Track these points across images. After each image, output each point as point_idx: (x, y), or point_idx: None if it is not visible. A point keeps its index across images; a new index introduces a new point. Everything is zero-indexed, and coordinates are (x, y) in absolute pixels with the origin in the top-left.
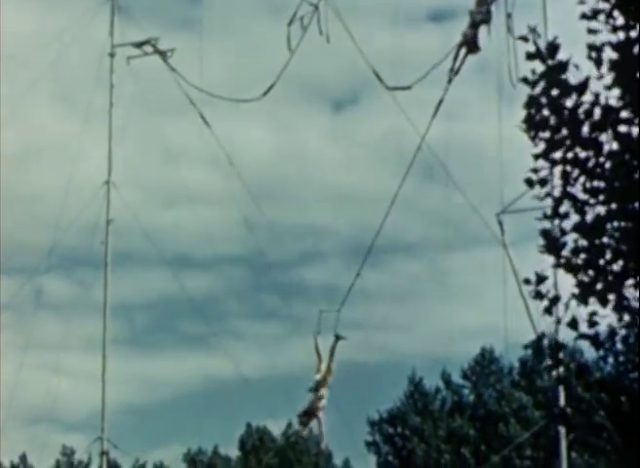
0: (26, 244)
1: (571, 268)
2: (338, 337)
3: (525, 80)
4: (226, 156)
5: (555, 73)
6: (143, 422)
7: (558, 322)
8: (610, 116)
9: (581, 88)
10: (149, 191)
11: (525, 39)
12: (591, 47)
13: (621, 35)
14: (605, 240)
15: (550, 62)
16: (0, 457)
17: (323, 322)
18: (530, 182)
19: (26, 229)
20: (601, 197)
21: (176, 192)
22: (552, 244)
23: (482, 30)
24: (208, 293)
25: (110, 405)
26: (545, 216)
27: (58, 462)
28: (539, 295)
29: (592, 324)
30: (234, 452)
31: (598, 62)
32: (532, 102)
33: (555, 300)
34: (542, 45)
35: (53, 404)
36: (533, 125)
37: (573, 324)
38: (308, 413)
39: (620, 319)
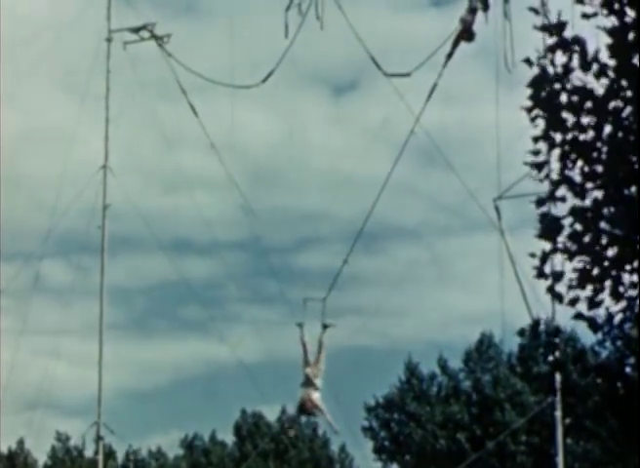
0: (24, 228)
1: (568, 253)
2: (325, 326)
3: (527, 60)
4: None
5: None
6: (141, 407)
7: (559, 299)
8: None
9: (587, 64)
10: (147, 176)
11: (536, 11)
12: (575, 40)
13: (615, 20)
14: (602, 225)
15: (557, 39)
16: None
17: (309, 311)
18: (532, 165)
19: (24, 214)
20: (599, 181)
21: (174, 177)
22: (549, 228)
23: (478, 16)
24: (206, 279)
25: (107, 390)
26: (540, 202)
27: (54, 448)
28: (541, 274)
29: (591, 306)
30: (231, 438)
31: (583, 54)
32: (538, 81)
33: (559, 277)
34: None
35: (50, 389)
36: (538, 103)
37: (573, 302)
38: (306, 409)
39: (617, 303)
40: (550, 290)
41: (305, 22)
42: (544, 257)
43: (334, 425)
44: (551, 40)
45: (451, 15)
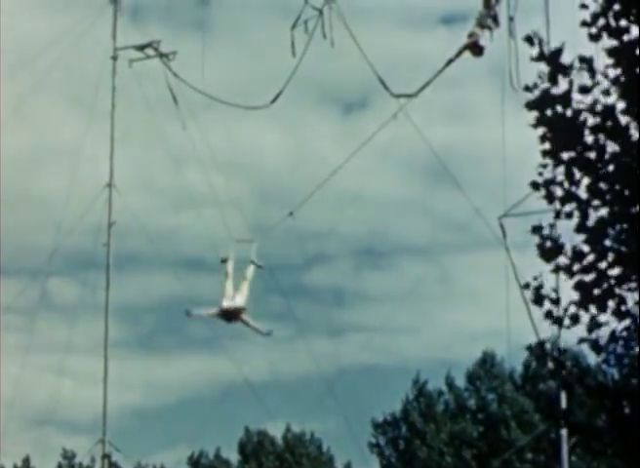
0: (30, 245)
1: (570, 272)
2: (254, 264)
3: (527, 88)
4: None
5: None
6: (147, 425)
7: (559, 323)
8: (608, 117)
9: (586, 90)
10: (155, 194)
11: (530, 41)
12: (582, 59)
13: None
14: (607, 243)
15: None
16: (3, 460)
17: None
18: (535, 186)
19: (30, 231)
20: (605, 198)
21: (181, 195)
22: (549, 250)
23: (487, 33)
24: (213, 296)
25: (114, 407)
26: (535, 230)
27: (60, 465)
28: (539, 300)
29: (592, 328)
30: (235, 456)
31: (592, 72)
32: (542, 101)
33: (556, 302)
34: (545, 49)
35: (56, 406)
36: (543, 122)
37: (574, 318)
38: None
39: (620, 321)
40: (548, 315)
41: (314, 41)
42: (541, 285)
43: (260, 328)
44: (548, 68)
45: (461, 33)
